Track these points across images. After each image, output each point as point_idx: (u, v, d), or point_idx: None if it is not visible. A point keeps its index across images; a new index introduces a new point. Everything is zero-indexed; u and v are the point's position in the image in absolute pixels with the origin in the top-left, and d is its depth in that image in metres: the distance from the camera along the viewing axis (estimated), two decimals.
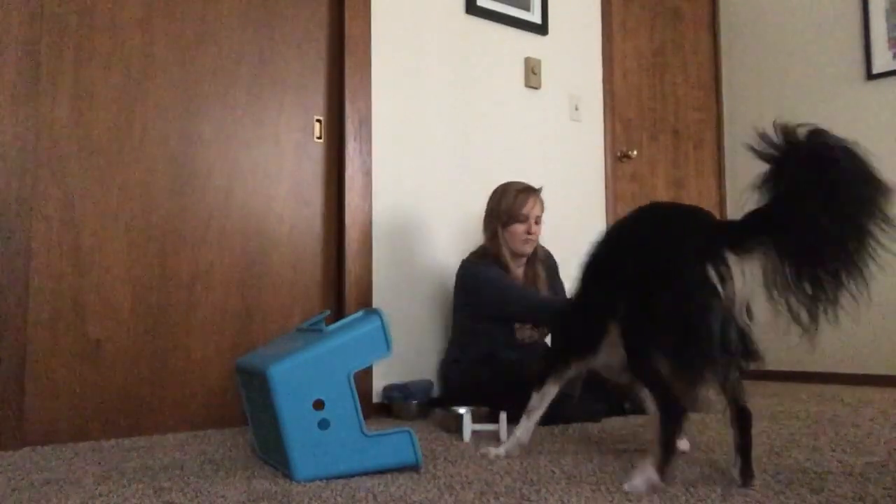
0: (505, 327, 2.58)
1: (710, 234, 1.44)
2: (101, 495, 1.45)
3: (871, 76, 3.54)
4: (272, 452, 1.69)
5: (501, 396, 2.35)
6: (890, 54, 3.49)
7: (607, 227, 1.93)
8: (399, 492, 1.45)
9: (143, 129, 2.29)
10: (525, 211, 2.55)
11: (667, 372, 1.42)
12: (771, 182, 1.35)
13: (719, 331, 1.38)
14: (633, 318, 1.50)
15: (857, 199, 1.28)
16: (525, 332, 2.60)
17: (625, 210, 3.54)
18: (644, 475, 1.43)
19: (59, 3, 2.17)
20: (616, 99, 3.56)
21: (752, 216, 1.39)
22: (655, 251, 1.48)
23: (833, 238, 1.28)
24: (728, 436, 2.07)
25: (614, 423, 2.30)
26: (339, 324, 1.72)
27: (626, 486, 1.43)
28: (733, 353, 1.42)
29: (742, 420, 1.51)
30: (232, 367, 2.34)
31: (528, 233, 2.56)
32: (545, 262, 2.71)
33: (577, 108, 3.37)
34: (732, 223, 1.45)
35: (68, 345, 2.13)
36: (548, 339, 2.65)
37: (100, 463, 1.79)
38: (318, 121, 2.64)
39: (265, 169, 2.52)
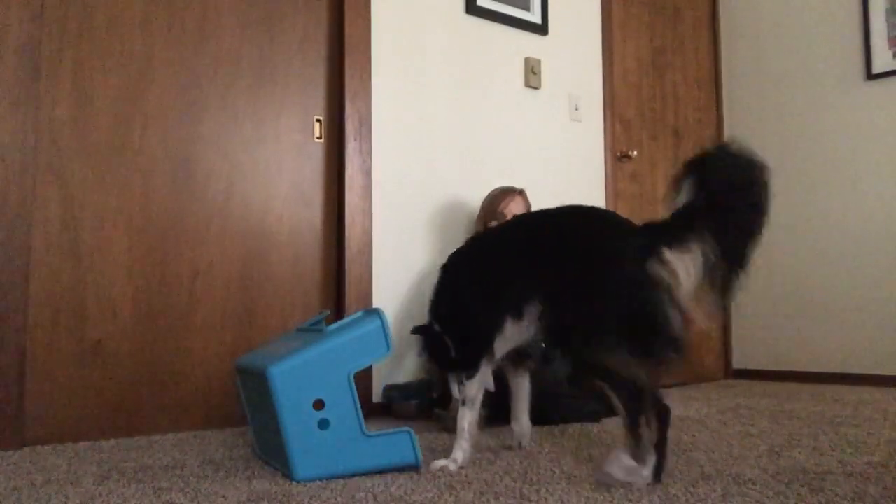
0: None
1: (648, 234, 1.51)
2: (101, 495, 1.45)
3: (871, 76, 3.54)
4: (272, 452, 1.69)
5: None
6: (890, 54, 3.49)
7: (516, 217, 1.94)
8: (399, 492, 1.45)
9: (143, 129, 2.29)
10: (501, 209, 2.66)
11: (622, 361, 1.46)
12: (692, 186, 1.47)
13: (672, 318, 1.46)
14: (575, 313, 1.53)
15: (756, 188, 1.43)
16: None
17: (625, 210, 3.55)
18: (618, 462, 1.43)
19: (59, 3, 2.17)
20: (616, 99, 3.56)
21: (682, 216, 1.47)
22: (598, 248, 1.54)
23: (747, 222, 1.43)
24: (726, 435, 2.07)
25: (614, 423, 2.29)
26: (339, 324, 1.72)
27: (596, 476, 1.45)
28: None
29: (661, 415, 1.48)
30: (232, 367, 2.34)
31: None
32: None
33: (577, 108, 3.37)
34: (666, 223, 1.50)
35: (68, 345, 2.13)
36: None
37: (100, 463, 1.79)
38: (318, 121, 2.64)
39: (265, 169, 2.52)
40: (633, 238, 1.51)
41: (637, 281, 1.46)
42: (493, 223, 2.67)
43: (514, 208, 2.68)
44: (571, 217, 1.67)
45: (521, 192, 2.73)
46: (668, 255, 1.45)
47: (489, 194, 2.76)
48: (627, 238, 1.53)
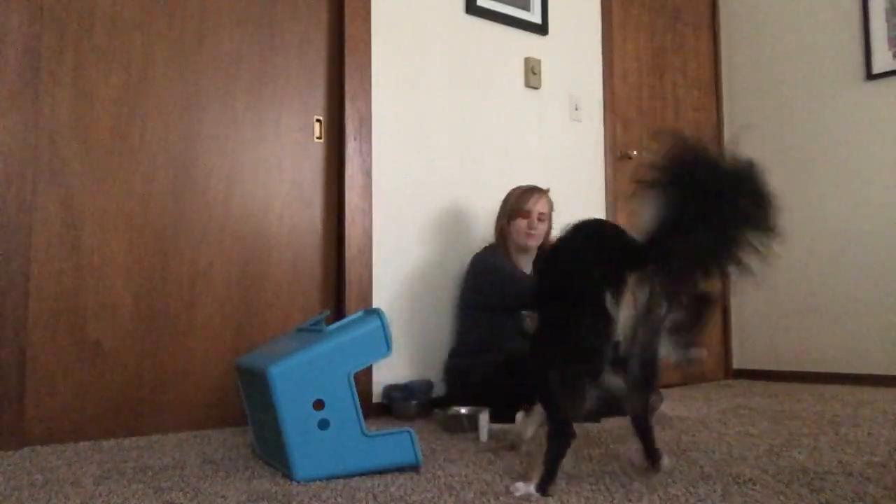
0: (513, 316, 2.61)
1: (616, 258, 1.44)
2: (101, 495, 1.45)
3: (871, 76, 3.54)
4: (272, 452, 1.69)
5: (497, 390, 2.36)
6: (890, 54, 3.49)
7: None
8: (399, 492, 1.45)
9: (143, 129, 2.29)
10: (527, 206, 2.66)
11: (557, 388, 1.43)
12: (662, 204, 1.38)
13: (609, 353, 1.42)
14: (539, 334, 1.53)
15: (735, 216, 1.36)
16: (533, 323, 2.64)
17: (625, 210, 3.55)
18: (526, 489, 1.42)
19: (59, 3, 2.17)
20: (616, 99, 3.56)
21: (650, 241, 1.40)
22: (567, 272, 1.50)
23: (705, 258, 1.34)
24: (726, 435, 2.07)
25: (614, 423, 2.29)
26: (339, 324, 1.72)
27: (511, 487, 1.45)
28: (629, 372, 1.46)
29: (644, 435, 1.56)
30: (232, 367, 2.34)
31: (530, 227, 2.66)
32: None
33: (577, 108, 3.37)
34: (635, 247, 1.44)
35: (68, 345, 2.13)
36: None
37: (100, 463, 1.79)
38: (318, 121, 2.64)
39: (265, 169, 2.52)
40: (602, 262, 1.45)
41: (585, 311, 1.41)
42: (519, 220, 2.67)
43: (541, 207, 2.69)
44: (574, 234, 1.59)
45: (546, 192, 2.74)
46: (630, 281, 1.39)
47: (514, 191, 2.75)
48: (596, 262, 1.45)
